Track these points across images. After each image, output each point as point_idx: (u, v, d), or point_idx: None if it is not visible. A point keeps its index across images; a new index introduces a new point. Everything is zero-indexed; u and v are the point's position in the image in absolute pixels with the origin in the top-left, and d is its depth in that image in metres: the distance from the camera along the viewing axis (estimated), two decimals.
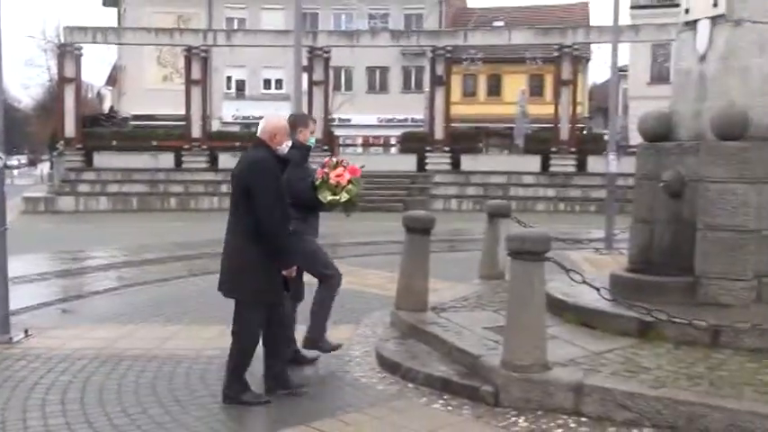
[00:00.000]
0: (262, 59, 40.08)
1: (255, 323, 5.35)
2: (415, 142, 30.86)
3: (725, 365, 5.31)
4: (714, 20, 6.76)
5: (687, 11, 7.10)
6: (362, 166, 6.16)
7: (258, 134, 5.38)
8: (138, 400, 5.42)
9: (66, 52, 28.71)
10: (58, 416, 5.12)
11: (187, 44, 29.22)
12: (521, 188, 27.35)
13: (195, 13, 43.83)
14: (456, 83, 37.97)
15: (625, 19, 36.25)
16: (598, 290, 5.90)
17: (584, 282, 5.73)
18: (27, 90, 74.42)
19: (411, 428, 4.87)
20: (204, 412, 5.20)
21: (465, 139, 31.70)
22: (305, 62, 24.63)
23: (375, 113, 43.54)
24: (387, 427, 4.93)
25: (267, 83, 45.47)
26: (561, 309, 6.56)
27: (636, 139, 8.83)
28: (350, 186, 5.85)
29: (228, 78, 45.42)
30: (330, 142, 30.14)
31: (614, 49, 14.72)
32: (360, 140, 41.17)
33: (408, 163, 29.13)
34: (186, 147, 28.96)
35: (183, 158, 28.89)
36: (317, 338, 6.30)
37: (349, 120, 41.63)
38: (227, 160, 29.07)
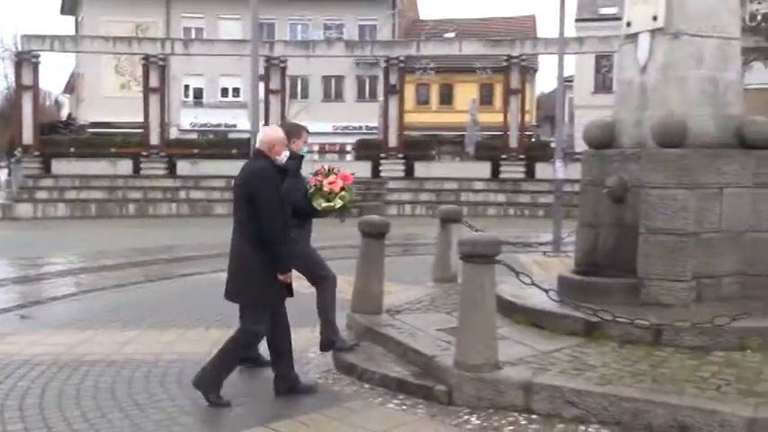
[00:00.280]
0: (219, 68, 40.01)
1: (259, 326, 5.52)
2: (369, 149, 31.12)
3: (667, 363, 5.49)
4: (654, 33, 6.98)
5: (628, 24, 7.32)
6: (353, 173, 6.30)
7: (257, 145, 5.60)
8: (98, 404, 5.45)
9: (24, 60, 28.50)
10: (17, 422, 5.13)
11: (145, 53, 29.26)
12: (472, 194, 27.70)
13: (153, 21, 43.61)
14: (409, 92, 38.30)
15: (570, 31, 36.86)
16: (546, 291, 6.08)
17: (534, 284, 5.89)
18: None
19: (367, 428, 4.96)
20: (164, 416, 5.25)
21: (418, 147, 32.00)
22: (262, 71, 24.70)
23: (330, 121, 43.65)
24: (344, 427, 5.03)
25: (225, 91, 45.34)
26: (511, 310, 6.71)
27: (581, 146, 9.10)
28: (343, 193, 5.99)
29: (186, 86, 45.22)
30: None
31: (560, 60, 15.06)
32: (316, 148, 41.11)
33: (363, 170, 29.18)
34: (144, 154, 29.01)
35: (142, 165, 28.94)
36: (332, 339, 6.44)
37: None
38: (186, 167, 29.14)
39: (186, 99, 45.54)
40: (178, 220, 24.61)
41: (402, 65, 29.44)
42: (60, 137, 34.51)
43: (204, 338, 7.33)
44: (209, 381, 5.47)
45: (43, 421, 5.13)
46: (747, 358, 5.59)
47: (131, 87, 39.94)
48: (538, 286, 5.95)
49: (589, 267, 7.11)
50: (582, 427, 4.85)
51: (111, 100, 41.20)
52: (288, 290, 5.58)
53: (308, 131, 6.50)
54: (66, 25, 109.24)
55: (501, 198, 27.74)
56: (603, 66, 41.00)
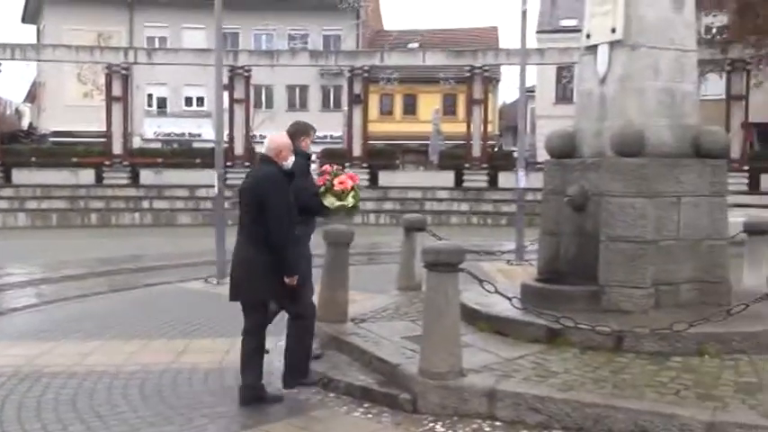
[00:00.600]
0: (183, 77, 39.76)
1: (306, 300, 5.75)
2: (334, 159, 30.91)
3: (627, 369, 5.56)
4: (612, 45, 7.11)
5: (588, 36, 7.45)
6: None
7: (264, 152, 5.71)
8: (58, 416, 5.37)
9: None
10: None
11: (108, 62, 29.05)
12: (436, 203, 27.85)
13: (116, 30, 43.21)
14: (373, 102, 38.43)
15: (532, 43, 37.32)
16: (510, 299, 6.13)
17: (497, 292, 5.92)
18: None
19: None
20: (126, 427, 5.20)
21: (382, 156, 32.13)
22: (226, 80, 24.62)
23: None
24: None
25: (189, 100, 45.07)
26: (475, 318, 6.75)
27: (543, 156, 9.21)
28: (354, 192, 6.16)
29: (150, 96, 44.86)
30: (251, 159, 30.10)
31: (522, 71, 15.24)
32: None
33: None
34: (107, 163, 28.80)
35: (104, 175, 28.73)
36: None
37: None
38: (149, 176, 28.90)
39: (150, 108, 45.20)
40: (141, 230, 24.36)
41: (366, 75, 29.57)
42: (21, 146, 34.34)
43: (168, 348, 7.29)
44: (296, 372, 5.73)
45: None
46: (705, 363, 5.69)
47: (94, 96, 39.52)
48: (501, 294, 5.98)
49: (551, 275, 7.19)
50: None
51: (74, 109, 40.70)
52: (291, 293, 5.66)
53: (314, 130, 6.60)
54: (27, 33, 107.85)
55: (464, 207, 27.93)
56: (564, 77, 41.54)
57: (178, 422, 5.31)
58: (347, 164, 28.83)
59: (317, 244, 6.61)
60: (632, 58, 7.02)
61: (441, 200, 28.23)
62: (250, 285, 5.58)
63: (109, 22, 43.01)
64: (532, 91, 41.87)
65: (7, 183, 28.08)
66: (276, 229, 5.45)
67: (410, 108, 47.57)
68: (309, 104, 46.49)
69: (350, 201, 6.09)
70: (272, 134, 5.87)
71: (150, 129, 44.14)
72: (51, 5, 43.98)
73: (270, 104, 44.59)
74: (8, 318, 9.21)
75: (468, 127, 29.46)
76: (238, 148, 29.06)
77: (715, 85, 29.49)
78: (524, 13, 14.79)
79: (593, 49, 7.36)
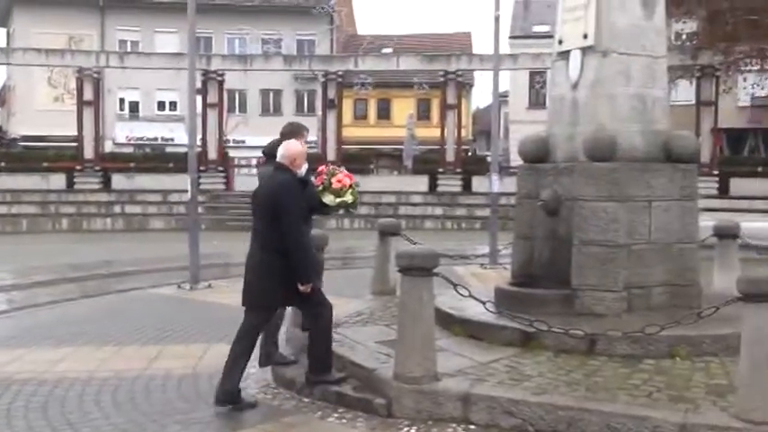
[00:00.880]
0: (156, 82, 39.54)
1: (320, 299, 5.79)
2: (308, 163, 30.97)
3: (600, 371, 5.60)
4: (584, 50, 7.17)
5: (560, 42, 7.51)
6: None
7: (278, 159, 5.78)
8: (29, 424, 5.31)
9: None
10: None
11: (79, 65, 28.70)
12: (410, 207, 27.91)
13: (87, 34, 42.83)
14: (347, 106, 38.47)
15: (505, 48, 37.61)
16: (484, 303, 6.11)
17: (471, 296, 5.91)
18: None
19: None
20: None
21: (356, 161, 32.08)
22: (199, 85, 24.44)
23: (269, 135, 42.98)
24: None
25: (161, 104, 44.80)
26: (450, 322, 6.77)
27: (516, 160, 9.28)
28: (352, 189, 6.23)
29: (122, 100, 44.54)
30: (225, 163, 29.99)
31: (495, 76, 15.32)
32: (254, 161, 41.07)
33: None
34: (78, 168, 28.46)
35: (76, 179, 28.37)
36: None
37: (243, 141, 41.59)
38: (121, 181, 28.64)
39: (122, 112, 44.87)
40: (113, 235, 24.15)
41: (340, 79, 29.57)
42: None
43: (141, 355, 7.23)
44: (320, 369, 5.76)
45: None
46: (677, 366, 5.75)
47: (65, 100, 39.19)
48: (475, 298, 5.98)
49: (525, 279, 7.22)
50: None
51: (44, 113, 40.35)
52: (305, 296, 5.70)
53: (307, 130, 6.70)
54: None
55: (438, 211, 28.02)
56: (537, 82, 41.91)
57: (151, 429, 5.27)
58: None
59: None
60: (604, 63, 7.08)
61: (415, 204, 28.29)
62: (261, 290, 5.65)
63: (80, 26, 42.66)
64: (506, 96, 42.16)
65: None
66: (291, 237, 5.53)
67: (384, 113, 47.67)
68: (283, 109, 46.37)
69: (349, 197, 6.18)
70: (286, 142, 5.98)
71: (122, 133, 43.82)
72: (21, 8, 43.51)
73: (243, 109, 44.52)
74: None
75: (442, 132, 29.57)
76: (212, 153, 28.92)
77: (685, 91, 29.90)
78: (497, 18, 14.88)
79: (565, 54, 7.41)
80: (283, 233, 5.52)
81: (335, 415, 5.46)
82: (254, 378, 6.45)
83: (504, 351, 6.11)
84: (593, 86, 7.13)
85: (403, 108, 43.26)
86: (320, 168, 6.31)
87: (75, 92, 30.53)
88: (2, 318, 9.45)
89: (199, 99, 23.86)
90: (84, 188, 28.13)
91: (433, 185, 29.12)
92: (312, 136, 38.17)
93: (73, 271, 13.64)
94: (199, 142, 25.10)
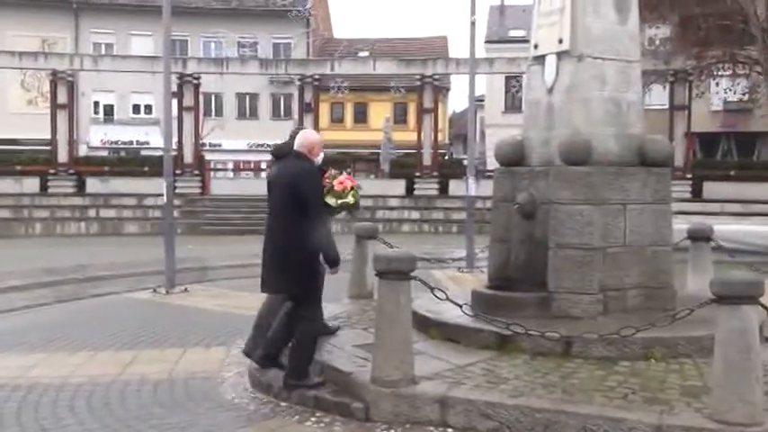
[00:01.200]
0: (130, 84, 39.22)
1: (316, 308, 5.91)
2: None
3: (576, 374, 5.63)
4: (560, 55, 7.22)
5: (536, 46, 7.55)
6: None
7: (296, 148, 5.89)
8: (2, 431, 5.24)
9: None
10: None
11: (52, 68, 28.47)
12: (387, 211, 27.91)
13: (61, 37, 42.34)
14: (324, 110, 38.40)
15: (481, 52, 37.81)
16: (461, 306, 6.16)
17: (448, 299, 5.93)
18: None
19: None
20: None
21: (333, 164, 31.94)
22: (175, 88, 24.33)
23: (245, 139, 43.51)
24: None
25: (136, 108, 44.40)
26: (427, 325, 6.77)
27: (493, 164, 9.33)
28: (353, 191, 6.35)
29: (96, 103, 44.07)
30: (201, 167, 29.82)
31: (471, 80, 15.38)
32: (231, 165, 41.06)
33: None
34: (52, 171, 28.22)
35: (49, 183, 28.13)
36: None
37: (219, 145, 41.53)
38: (95, 185, 28.38)
39: (96, 116, 44.43)
40: (87, 239, 23.91)
41: (317, 83, 29.53)
42: None
43: (115, 360, 7.16)
44: (296, 376, 5.77)
45: None
46: (652, 367, 5.80)
47: (38, 104, 38.81)
48: (452, 301, 6.00)
49: (502, 282, 7.24)
50: None
51: (17, 116, 39.89)
52: (308, 291, 5.82)
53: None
54: None
55: (415, 215, 28.06)
56: (513, 86, 42.11)
57: None
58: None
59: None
60: (579, 68, 7.13)
61: (392, 208, 28.30)
62: (279, 278, 5.77)
63: (53, 28, 42.19)
64: (482, 100, 42.39)
65: None
66: (317, 222, 5.64)
67: (361, 116, 47.67)
68: (260, 112, 46.26)
69: (350, 199, 6.29)
70: (304, 131, 6.14)
71: (97, 136, 43.44)
72: None
73: (220, 112, 44.30)
74: None
75: (419, 135, 29.63)
76: (188, 157, 28.75)
77: (658, 96, 30.23)
78: (473, 23, 14.95)
79: (540, 59, 7.45)
80: (309, 217, 5.59)
81: (313, 419, 5.44)
82: (231, 382, 6.42)
83: (481, 354, 6.13)
84: (569, 91, 7.18)
85: (380, 112, 43.33)
86: (323, 172, 6.37)
87: (48, 95, 30.27)
88: None
89: (174, 102, 23.79)
90: (57, 192, 27.91)
91: (409, 189, 29.17)
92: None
93: (47, 275, 13.49)
94: (174, 146, 24.96)
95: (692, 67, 26.95)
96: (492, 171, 9.72)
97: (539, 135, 7.42)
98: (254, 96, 45.56)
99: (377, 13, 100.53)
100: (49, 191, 28.02)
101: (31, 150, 33.30)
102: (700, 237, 9.26)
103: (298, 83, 30.10)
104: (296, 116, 32.96)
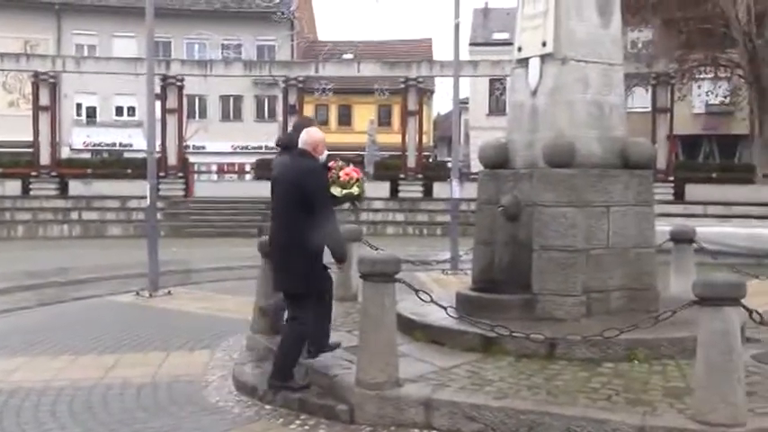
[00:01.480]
0: (113, 86, 39.02)
1: (308, 313, 5.83)
2: (269, 169, 30.70)
3: (560, 375, 5.66)
4: (543, 58, 7.25)
5: (520, 49, 7.58)
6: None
7: (301, 145, 5.92)
8: None
9: None
10: None
11: (35, 70, 28.18)
12: (371, 213, 27.85)
13: (43, 38, 42.03)
14: (308, 112, 38.29)
15: (465, 55, 37.91)
16: (445, 309, 6.15)
17: (433, 301, 5.93)
18: None
19: None
20: None
21: None
22: (158, 90, 24.18)
23: (229, 141, 43.46)
24: None
25: (119, 110, 44.23)
26: (411, 327, 6.78)
27: (477, 166, 9.34)
28: (359, 182, 6.37)
29: (79, 105, 43.85)
30: (184, 169, 29.69)
31: (455, 83, 15.40)
32: (214, 167, 40.93)
33: (263, 189, 28.80)
34: (34, 174, 27.94)
35: (31, 186, 27.83)
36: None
37: (203, 147, 41.40)
38: (78, 187, 28.14)
39: (79, 118, 44.22)
40: (70, 242, 23.71)
41: (301, 85, 29.45)
42: None
43: (98, 364, 7.11)
44: (281, 377, 5.76)
45: None
46: (635, 369, 5.83)
47: (20, 105, 38.56)
48: (437, 303, 6.01)
49: (486, 284, 7.25)
50: None
51: None
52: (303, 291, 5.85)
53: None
54: None
55: (400, 217, 28.04)
56: (497, 89, 42.30)
57: None
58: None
59: (246, 255, 6.61)
60: (562, 71, 7.16)
61: (376, 210, 28.25)
62: (279, 276, 5.85)
63: (35, 30, 41.91)
64: (466, 103, 42.45)
65: None
66: (324, 218, 5.69)
67: (345, 119, 47.69)
68: (244, 115, 46.20)
69: (355, 189, 6.32)
70: (308, 129, 6.13)
71: (79, 139, 43.22)
72: None
73: (204, 115, 44.19)
74: None
75: (404, 138, 29.61)
76: (171, 159, 28.58)
77: (641, 99, 30.41)
78: (457, 26, 14.97)
79: (524, 62, 7.48)
80: (313, 215, 5.62)
81: (298, 422, 5.43)
82: (215, 386, 6.40)
83: (465, 356, 6.14)
84: (552, 93, 7.20)
85: (364, 114, 43.35)
86: (330, 164, 6.42)
87: (30, 97, 30.04)
88: None
89: (158, 104, 23.65)
90: (40, 194, 27.63)
91: (394, 191, 29.14)
92: (273, 142, 38.13)
93: (28, 278, 13.38)
94: (158, 148, 24.81)
95: (674, 70, 27.14)
96: (476, 173, 9.76)
97: (523, 137, 7.44)
98: (237, 98, 45.51)
99: (361, 15, 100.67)
100: (31, 193, 27.75)
101: (13, 152, 32.95)
102: (682, 239, 9.32)
103: (282, 85, 30.02)
104: (280, 118, 32.90)
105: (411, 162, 29.29)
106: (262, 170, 31.83)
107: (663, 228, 8.83)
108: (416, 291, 5.80)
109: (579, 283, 6.73)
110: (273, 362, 5.92)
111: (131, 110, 43.52)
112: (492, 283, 7.22)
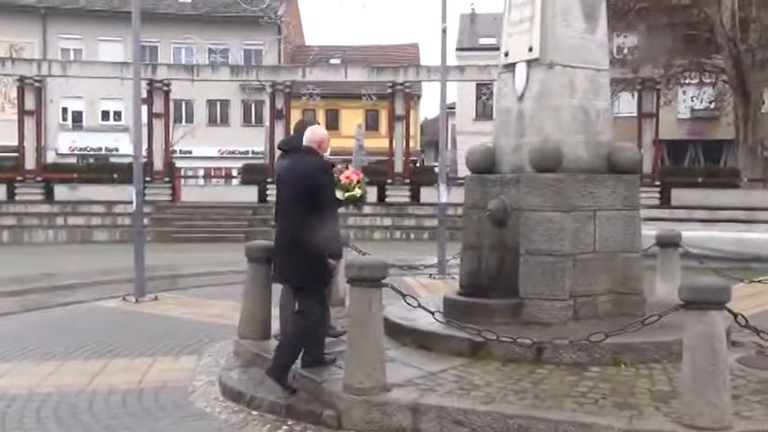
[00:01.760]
0: (99, 91, 38.94)
1: (318, 305, 5.91)
2: (255, 174, 30.96)
3: (547, 380, 5.66)
4: (530, 63, 7.27)
5: (506, 54, 7.59)
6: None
7: (306, 143, 5.99)
8: None
9: None
10: None
11: (20, 74, 28.04)
12: (358, 217, 27.84)
13: (29, 42, 41.91)
14: (296, 116, 37.87)
15: (452, 60, 38.02)
16: (432, 313, 6.13)
17: (420, 306, 5.94)
18: None
19: None
20: None
21: None
22: (144, 94, 24.10)
23: (216, 146, 43.39)
24: None
25: (105, 114, 44.10)
26: (399, 332, 6.77)
27: (464, 171, 9.36)
28: (360, 184, 6.50)
29: (65, 109, 43.71)
30: (171, 174, 29.60)
31: (443, 88, 15.42)
32: (201, 172, 40.83)
33: (250, 194, 29.13)
34: (19, 178, 27.81)
35: (17, 190, 27.69)
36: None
37: (190, 152, 41.33)
38: (64, 192, 27.99)
39: (65, 122, 44.04)
40: (56, 247, 23.58)
41: (288, 90, 29.46)
42: None
43: (83, 370, 7.06)
44: (279, 369, 5.78)
45: None
46: (621, 373, 5.85)
47: (5, 110, 38.34)
48: (424, 308, 6.00)
49: (473, 288, 7.26)
50: None
51: None
52: (309, 287, 5.92)
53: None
54: None
55: (387, 222, 28.09)
56: (484, 93, 42.43)
57: None
58: (269, 179, 28.77)
59: (233, 260, 6.61)
60: (549, 76, 7.19)
61: (363, 215, 28.19)
62: (291, 271, 5.85)
63: (21, 33, 41.76)
64: (453, 107, 42.61)
65: None
66: (329, 214, 5.76)
67: (333, 123, 47.55)
68: (231, 119, 46.14)
69: (357, 191, 6.41)
70: (312, 126, 6.19)
71: (65, 143, 43.04)
72: None
73: (190, 119, 44.13)
74: None
75: (391, 142, 29.68)
76: (158, 164, 28.52)
77: (627, 104, 30.62)
78: (444, 30, 14.99)
79: (511, 67, 7.50)
80: (320, 211, 5.66)
81: (285, 427, 5.41)
82: (201, 391, 6.37)
83: (452, 361, 6.14)
84: (539, 98, 7.22)
85: (351, 119, 43.36)
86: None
87: (16, 101, 29.88)
88: None
89: (144, 109, 23.58)
90: (25, 199, 27.47)
91: (381, 196, 29.16)
92: (260, 146, 38.07)
93: (13, 284, 13.27)
94: (144, 153, 24.76)
95: (660, 75, 27.33)
96: (463, 178, 9.75)
97: (509, 142, 7.45)
98: (224, 103, 45.45)
99: (348, 20, 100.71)
100: (17, 198, 27.60)
101: None
102: (668, 243, 9.36)
103: (269, 90, 30.00)
104: (267, 123, 32.86)
105: (398, 167, 29.35)
106: (249, 175, 31.81)
107: (649, 232, 8.86)
108: (404, 295, 5.80)
109: (566, 288, 6.74)
110: (276, 353, 5.95)
111: (117, 114, 43.38)
112: (479, 287, 7.22)
